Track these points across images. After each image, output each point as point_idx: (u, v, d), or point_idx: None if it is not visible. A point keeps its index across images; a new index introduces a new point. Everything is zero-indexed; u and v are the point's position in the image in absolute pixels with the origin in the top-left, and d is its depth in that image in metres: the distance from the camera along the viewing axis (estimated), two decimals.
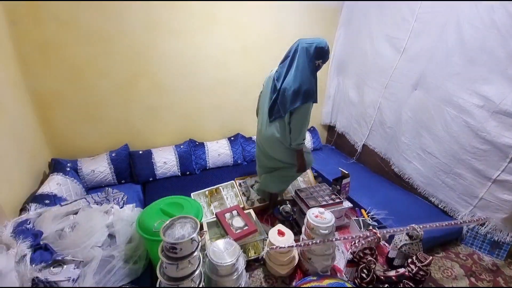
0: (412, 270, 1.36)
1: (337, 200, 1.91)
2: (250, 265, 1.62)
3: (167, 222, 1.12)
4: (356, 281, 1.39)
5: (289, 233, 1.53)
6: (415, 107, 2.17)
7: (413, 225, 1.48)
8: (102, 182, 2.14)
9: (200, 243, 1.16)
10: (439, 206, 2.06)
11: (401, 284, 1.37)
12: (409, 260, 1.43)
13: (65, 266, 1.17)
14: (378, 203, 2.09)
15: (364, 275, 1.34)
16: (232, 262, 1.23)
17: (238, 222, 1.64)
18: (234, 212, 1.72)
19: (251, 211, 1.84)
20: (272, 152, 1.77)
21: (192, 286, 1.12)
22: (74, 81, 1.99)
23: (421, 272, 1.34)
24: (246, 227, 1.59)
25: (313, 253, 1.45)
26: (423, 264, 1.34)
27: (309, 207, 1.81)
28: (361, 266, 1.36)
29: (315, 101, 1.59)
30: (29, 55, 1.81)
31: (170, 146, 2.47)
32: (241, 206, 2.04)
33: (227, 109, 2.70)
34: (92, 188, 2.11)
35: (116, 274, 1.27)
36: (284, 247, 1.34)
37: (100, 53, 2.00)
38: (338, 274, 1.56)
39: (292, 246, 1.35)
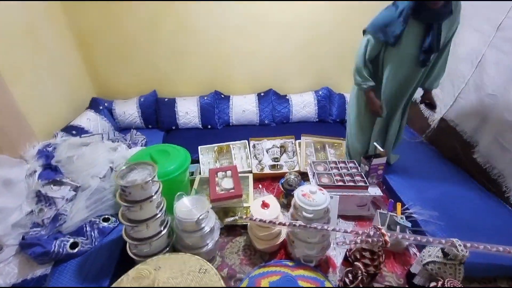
0: None
1: (360, 184, 1.53)
2: (236, 230, 1.57)
3: (125, 166, 1.15)
4: (339, 283, 1.14)
5: (275, 207, 1.35)
6: None
7: (455, 239, 1.03)
8: (131, 124, 2.42)
9: (159, 189, 1.17)
10: None
11: None
12: (433, 284, 1.04)
13: (63, 187, 1.42)
14: (430, 200, 1.58)
15: (347, 281, 1.07)
16: (193, 219, 1.19)
17: (227, 183, 1.57)
18: (228, 173, 1.64)
19: (251, 176, 1.72)
20: None
21: (149, 234, 1.17)
22: (106, 18, 2.15)
23: None
24: (232, 190, 1.50)
25: (296, 236, 1.25)
26: None
27: (317, 184, 1.54)
28: (347, 269, 1.09)
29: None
30: None
31: (195, 96, 2.50)
32: (248, 169, 1.94)
33: (259, 57, 2.45)
34: (124, 128, 2.43)
35: (104, 204, 1.45)
36: (254, 220, 1.20)
37: None
38: (331, 269, 1.32)
39: (261, 221, 1.19)
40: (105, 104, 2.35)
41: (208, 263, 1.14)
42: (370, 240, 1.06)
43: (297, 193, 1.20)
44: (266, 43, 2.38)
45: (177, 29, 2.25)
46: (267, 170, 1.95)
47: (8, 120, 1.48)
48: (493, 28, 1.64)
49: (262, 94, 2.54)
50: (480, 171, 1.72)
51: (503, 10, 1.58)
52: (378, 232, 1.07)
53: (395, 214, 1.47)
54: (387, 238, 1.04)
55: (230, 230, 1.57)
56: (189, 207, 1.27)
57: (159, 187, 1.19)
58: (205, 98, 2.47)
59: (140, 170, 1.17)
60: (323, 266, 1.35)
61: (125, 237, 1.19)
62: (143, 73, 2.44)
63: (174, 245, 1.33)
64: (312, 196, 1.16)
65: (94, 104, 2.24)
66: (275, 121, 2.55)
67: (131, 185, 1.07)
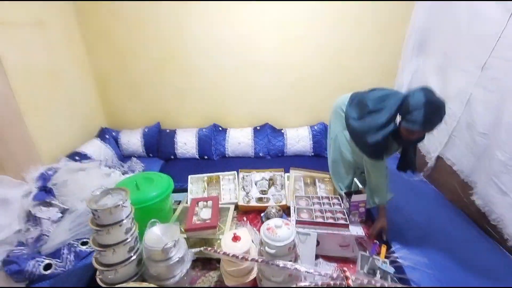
0: None
1: (341, 221, 1.47)
2: (211, 263, 1.53)
3: (99, 192, 1.23)
4: None
5: (247, 241, 1.33)
6: None
7: None
8: (134, 153, 2.60)
9: (130, 215, 1.22)
10: None
11: None
12: None
13: (51, 208, 1.53)
14: (421, 244, 1.46)
15: None
16: (159, 247, 1.21)
17: (206, 214, 1.58)
18: (209, 203, 1.67)
19: (232, 207, 1.73)
20: None
21: (115, 260, 1.19)
22: (120, 62, 2.49)
23: None
24: (208, 221, 1.51)
25: (263, 273, 1.20)
26: None
27: (296, 220, 1.50)
28: None
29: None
30: (92, 40, 2.40)
31: (195, 128, 2.67)
32: (235, 201, 1.95)
33: (255, 95, 2.62)
34: (127, 156, 2.60)
35: (86, 227, 1.52)
36: (215, 252, 1.18)
37: (136, 38, 2.39)
38: None
39: (224, 254, 1.16)
40: (113, 133, 2.58)
41: None
42: (332, 283, 1.00)
43: (263, 227, 1.19)
44: (262, 82, 2.56)
45: (180, 70, 2.52)
46: (253, 203, 1.95)
47: (18, 146, 1.68)
48: (478, 68, 1.66)
49: (258, 128, 2.64)
50: (481, 215, 1.59)
51: (486, 50, 1.60)
52: (342, 275, 1.01)
53: (378, 258, 1.37)
54: (350, 282, 0.98)
55: (206, 263, 1.53)
56: (159, 235, 1.29)
57: (130, 212, 1.25)
58: (204, 130, 2.62)
59: (114, 195, 1.24)
60: None
61: (93, 262, 1.23)
62: (150, 108, 2.69)
63: (143, 275, 1.33)
64: (276, 231, 1.14)
65: (102, 133, 2.46)
66: (270, 154, 2.60)
67: (100, 209, 1.13)
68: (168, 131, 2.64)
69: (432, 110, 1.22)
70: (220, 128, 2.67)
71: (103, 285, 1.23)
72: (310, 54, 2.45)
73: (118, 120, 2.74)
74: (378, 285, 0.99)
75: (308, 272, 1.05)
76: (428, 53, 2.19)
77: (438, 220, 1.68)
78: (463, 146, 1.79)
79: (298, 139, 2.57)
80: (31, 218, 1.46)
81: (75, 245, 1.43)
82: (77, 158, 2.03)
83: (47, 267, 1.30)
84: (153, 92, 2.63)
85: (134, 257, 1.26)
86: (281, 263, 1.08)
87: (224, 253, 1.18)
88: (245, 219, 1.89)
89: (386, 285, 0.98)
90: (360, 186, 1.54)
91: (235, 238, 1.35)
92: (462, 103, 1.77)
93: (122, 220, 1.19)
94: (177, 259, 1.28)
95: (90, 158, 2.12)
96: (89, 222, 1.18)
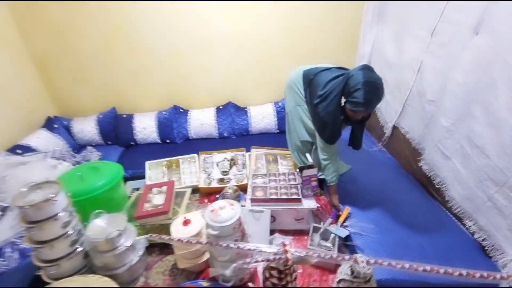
0: None
1: (294, 196, 1.50)
2: (169, 248, 1.52)
3: (26, 188, 1.14)
4: None
5: (197, 224, 1.33)
6: (470, 67, 1.35)
7: (358, 255, 0.98)
8: (91, 141, 2.46)
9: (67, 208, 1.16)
10: (476, 236, 1.32)
11: None
12: None
13: None
14: (371, 212, 1.54)
15: None
16: (102, 238, 1.18)
17: (159, 199, 1.55)
18: (164, 188, 1.63)
19: (188, 191, 1.70)
20: None
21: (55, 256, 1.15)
22: (62, 42, 2.25)
23: None
24: (160, 207, 1.48)
25: (212, 254, 1.21)
26: None
27: (251, 199, 1.51)
28: None
29: None
30: (23, 18, 2.13)
31: (154, 111, 2.54)
32: (196, 183, 1.93)
33: (216, 73, 2.50)
34: (83, 145, 2.45)
35: None
36: (160, 238, 1.17)
37: (77, 14, 2.15)
38: None
39: (166, 239, 1.16)
40: (64, 122, 2.40)
41: (116, 285, 1.12)
42: (271, 258, 1.02)
43: (207, 210, 1.17)
44: (221, 57, 2.43)
45: (130, 49, 2.33)
46: (214, 184, 1.93)
47: None
48: (428, 33, 1.64)
49: (221, 107, 2.56)
50: (427, 179, 1.67)
51: (436, 15, 1.58)
52: (282, 249, 1.03)
53: (331, 228, 1.42)
54: (288, 255, 1.00)
55: (164, 249, 1.53)
56: (103, 226, 1.25)
57: (67, 205, 1.19)
58: (164, 112, 2.50)
59: (45, 189, 1.17)
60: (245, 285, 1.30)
61: (33, 259, 1.18)
62: (102, 92, 2.51)
63: (92, 267, 1.30)
64: (218, 212, 1.14)
65: (49, 123, 2.28)
66: (235, 133, 2.55)
67: (27, 206, 1.06)
68: (125, 116, 2.49)
69: (371, 89, 1.24)
70: (182, 110, 2.56)
71: (48, 280, 1.20)
72: (270, 26, 2.33)
73: (68, 107, 2.54)
74: (315, 255, 1.02)
75: (250, 250, 1.06)
76: (386, 20, 2.15)
77: (391, 188, 1.75)
78: (414, 114, 1.83)
79: (262, 117, 2.53)
80: None
81: (17, 243, 1.37)
82: (18, 151, 1.88)
83: None
84: (105, 75, 2.43)
85: (78, 250, 1.23)
86: (224, 243, 1.09)
87: (169, 239, 1.17)
88: (206, 201, 1.89)
89: (322, 255, 1.02)
90: (310, 161, 1.55)
91: (186, 222, 1.34)
92: (414, 71, 1.78)
93: (57, 214, 1.13)
94: (125, 248, 1.26)
95: (35, 150, 1.97)
96: (19, 220, 1.11)
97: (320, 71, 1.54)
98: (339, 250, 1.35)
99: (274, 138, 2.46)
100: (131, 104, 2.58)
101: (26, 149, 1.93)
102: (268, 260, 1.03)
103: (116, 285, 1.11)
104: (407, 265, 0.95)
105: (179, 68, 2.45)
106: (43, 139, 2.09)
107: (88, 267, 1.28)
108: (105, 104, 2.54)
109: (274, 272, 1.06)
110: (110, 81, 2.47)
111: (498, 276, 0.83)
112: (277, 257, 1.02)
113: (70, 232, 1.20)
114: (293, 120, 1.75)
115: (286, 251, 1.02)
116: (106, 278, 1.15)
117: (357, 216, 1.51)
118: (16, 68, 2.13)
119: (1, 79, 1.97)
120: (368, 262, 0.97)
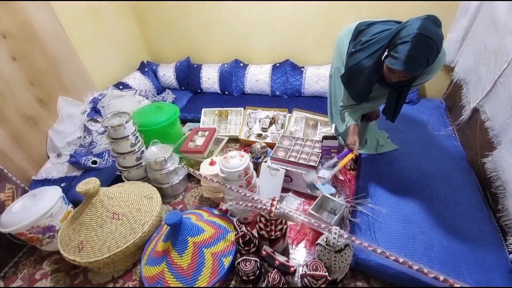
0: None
1: (311, 164, 1.55)
2: None
3: (110, 114, 1.64)
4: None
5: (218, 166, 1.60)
6: None
7: (334, 227, 1.04)
8: (169, 85, 3.01)
9: (135, 132, 1.64)
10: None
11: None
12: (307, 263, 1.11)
13: (98, 124, 2.10)
14: (391, 197, 1.45)
15: (240, 241, 1.25)
16: (152, 159, 1.61)
17: (200, 141, 1.89)
18: (206, 133, 1.95)
19: (225, 139, 1.98)
20: None
21: (126, 164, 1.68)
22: None
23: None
24: (199, 147, 1.82)
25: (223, 192, 1.49)
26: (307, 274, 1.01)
27: (271, 156, 1.66)
28: (239, 234, 1.25)
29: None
30: None
31: (218, 64, 2.80)
32: (236, 134, 2.19)
33: (277, 27, 2.46)
34: (165, 88, 3.04)
35: None
36: (188, 169, 1.50)
37: None
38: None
39: (191, 171, 1.48)
40: (153, 67, 2.99)
41: (157, 192, 1.57)
42: (258, 206, 1.20)
43: (221, 157, 1.41)
44: (283, 12, 2.34)
45: (203, 2, 2.52)
46: (252, 138, 2.14)
47: (77, 76, 2.24)
48: None
49: (278, 64, 2.57)
50: (488, 181, 1.37)
51: None
52: (270, 202, 1.19)
53: (317, 182, 1.41)
54: (272, 208, 1.16)
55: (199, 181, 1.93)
56: (155, 151, 1.70)
57: (134, 130, 1.65)
58: (225, 65, 2.73)
59: (122, 117, 1.65)
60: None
61: (116, 164, 1.76)
62: (181, 42, 2.90)
63: (150, 179, 1.82)
64: (229, 160, 1.35)
65: (142, 67, 2.90)
66: (287, 93, 2.58)
67: (109, 126, 1.56)
68: (195, 65, 2.86)
69: (420, 45, 0.99)
70: (242, 64, 2.72)
71: (124, 180, 1.78)
72: None
73: (157, 54, 3.10)
74: (296, 216, 1.14)
75: (246, 195, 1.26)
76: None
77: (436, 180, 1.53)
78: (504, 97, 1.40)
79: (317, 79, 2.42)
80: (86, 129, 2.07)
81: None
82: (120, 87, 2.55)
83: (94, 162, 1.92)
84: (182, 26, 2.77)
85: (140, 165, 1.74)
86: (228, 185, 1.33)
87: (193, 171, 1.50)
88: (243, 151, 2.14)
89: (304, 218, 1.12)
90: (333, 131, 1.50)
91: (211, 163, 1.64)
92: None
93: (127, 136, 1.61)
94: (168, 170, 1.69)
95: (131, 87, 2.61)
96: (105, 136, 1.65)
97: (375, 22, 1.29)
98: (340, 223, 1.40)
99: (326, 103, 2.37)
100: (201, 55, 2.91)
101: (125, 86, 2.58)
102: (255, 208, 1.22)
103: (156, 191, 1.55)
104: (379, 250, 0.97)
105: (243, 22, 2.52)
106: (137, 79, 2.72)
107: (147, 178, 1.81)
108: (182, 53, 2.97)
109: (262, 219, 1.25)
110: (185, 33, 2.81)
111: None
112: (264, 207, 1.20)
113: (136, 150, 1.69)
114: (334, 84, 1.64)
115: (272, 205, 1.18)
116: (150, 185, 1.62)
117: (375, 197, 1.45)
118: (123, 19, 2.71)
119: (111, 29, 2.58)
120: (341, 236, 1.03)
